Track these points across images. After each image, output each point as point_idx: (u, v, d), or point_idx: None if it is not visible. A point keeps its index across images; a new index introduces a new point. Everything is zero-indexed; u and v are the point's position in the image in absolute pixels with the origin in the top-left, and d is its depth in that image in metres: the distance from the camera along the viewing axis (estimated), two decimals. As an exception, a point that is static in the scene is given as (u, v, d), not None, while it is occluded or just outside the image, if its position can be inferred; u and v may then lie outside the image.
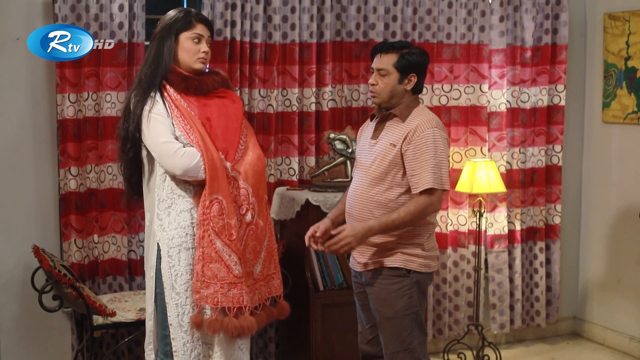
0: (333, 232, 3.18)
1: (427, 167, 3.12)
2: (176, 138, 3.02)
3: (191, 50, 3.08)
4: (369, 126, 3.39)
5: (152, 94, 3.03)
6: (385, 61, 3.21)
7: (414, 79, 3.23)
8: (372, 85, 3.25)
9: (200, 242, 3.01)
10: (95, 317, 3.74)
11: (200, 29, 3.10)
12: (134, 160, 3.14)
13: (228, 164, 3.06)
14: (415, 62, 3.22)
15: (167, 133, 3.01)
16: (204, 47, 3.10)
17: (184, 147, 3.01)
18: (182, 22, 3.08)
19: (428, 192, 3.13)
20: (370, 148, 3.27)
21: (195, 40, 3.09)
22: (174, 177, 3.05)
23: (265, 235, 3.19)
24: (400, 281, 3.21)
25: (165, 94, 3.05)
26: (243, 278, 3.05)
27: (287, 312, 3.29)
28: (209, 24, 3.15)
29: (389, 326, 3.24)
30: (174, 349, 3.06)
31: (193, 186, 3.06)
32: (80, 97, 3.99)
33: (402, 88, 3.23)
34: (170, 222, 3.06)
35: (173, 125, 3.03)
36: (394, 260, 3.21)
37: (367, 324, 3.41)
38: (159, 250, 3.08)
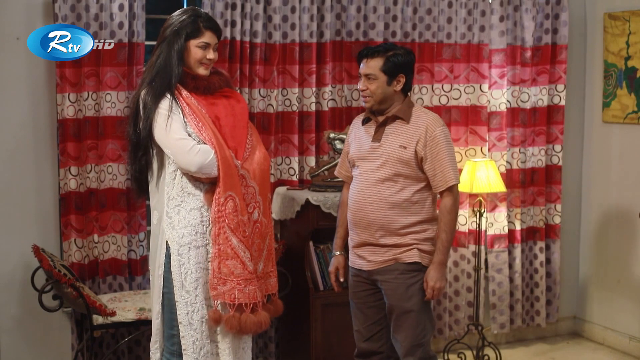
0: (426, 295, 3.30)
1: (446, 165, 3.27)
2: (188, 135, 3.04)
3: (197, 56, 3.10)
4: (361, 129, 3.43)
5: (167, 95, 3.04)
6: (372, 66, 3.28)
7: (403, 80, 3.31)
8: (363, 90, 3.31)
9: (216, 239, 3.03)
10: (95, 316, 3.73)
11: (208, 36, 3.11)
12: (146, 163, 3.15)
13: (238, 163, 3.08)
14: (402, 63, 3.29)
15: (182, 130, 3.03)
16: (210, 54, 3.12)
17: (197, 144, 3.02)
18: (191, 28, 3.08)
19: (449, 189, 3.29)
20: (374, 150, 3.33)
21: (203, 47, 3.10)
22: (184, 175, 3.06)
23: (267, 233, 3.22)
24: (417, 275, 3.31)
25: (177, 92, 3.07)
26: (255, 274, 3.08)
27: (282, 310, 3.32)
28: (217, 30, 3.15)
29: (407, 320, 3.32)
30: (183, 347, 3.07)
31: (203, 184, 3.07)
32: (80, 97, 3.99)
33: (392, 90, 3.31)
34: (180, 221, 3.06)
35: (185, 122, 3.04)
36: (411, 256, 3.30)
37: (365, 322, 3.45)
38: (168, 248, 3.08)
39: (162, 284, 3.11)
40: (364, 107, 4.48)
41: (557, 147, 4.96)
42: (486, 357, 4.61)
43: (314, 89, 4.40)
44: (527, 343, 5.10)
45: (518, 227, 4.90)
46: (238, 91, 4.22)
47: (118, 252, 4.14)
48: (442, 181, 3.27)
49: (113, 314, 3.73)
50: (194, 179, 3.07)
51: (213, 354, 3.13)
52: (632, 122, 4.78)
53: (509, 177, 4.83)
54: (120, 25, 3.99)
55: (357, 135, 3.43)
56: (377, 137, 3.33)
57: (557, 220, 5.03)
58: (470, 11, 4.66)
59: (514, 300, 4.97)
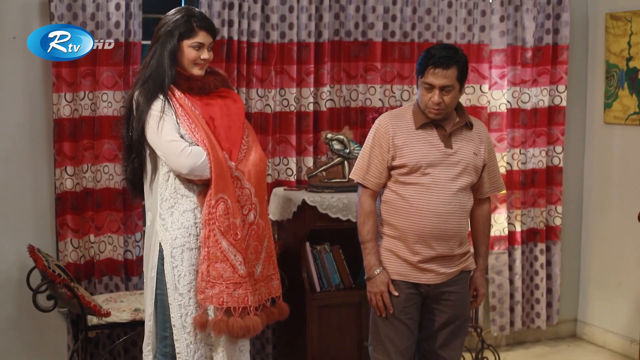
0: (476, 302, 3.38)
1: (498, 171, 3.36)
2: (181, 137, 3.01)
3: (191, 56, 3.08)
4: (414, 133, 3.15)
5: (159, 96, 3.02)
6: (449, 76, 3.04)
7: (465, 83, 3.17)
8: (438, 103, 3.06)
9: (205, 242, 3.00)
10: (89, 317, 3.72)
11: (202, 36, 3.08)
12: (139, 165, 3.14)
13: (232, 164, 3.05)
14: (467, 67, 3.13)
15: (173, 132, 3.00)
16: (204, 54, 3.09)
17: (189, 146, 3.00)
18: (184, 28, 3.05)
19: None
20: (448, 157, 3.12)
21: (196, 48, 3.08)
22: (177, 177, 3.04)
23: (266, 235, 3.19)
24: (468, 281, 3.33)
25: (170, 93, 3.05)
26: (247, 278, 3.04)
27: (287, 313, 3.28)
28: (211, 29, 3.12)
29: (465, 327, 3.31)
30: (177, 351, 3.05)
31: (197, 186, 3.05)
32: (76, 97, 3.98)
33: (459, 96, 3.16)
34: (173, 222, 3.04)
35: (178, 124, 3.02)
36: (473, 263, 3.31)
37: (410, 338, 3.23)
38: (161, 250, 3.06)
39: (154, 285, 3.09)
40: (362, 108, 4.51)
41: (558, 148, 4.93)
42: (485, 360, 4.59)
43: (312, 89, 4.37)
44: (527, 346, 5.07)
45: (518, 228, 4.87)
46: (235, 91, 4.21)
47: (114, 253, 4.13)
48: (496, 185, 3.31)
49: (108, 314, 3.72)
50: (188, 180, 3.04)
51: (207, 357, 3.11)
52: (634, 123, 4.75)
53: (509, 178, 4.81)
54: (117, 24, 3.98)
55: (411, 140, 3.14)
56: (448, 143, 3.13)
57: (558, 221, 5.00)
58: (470, 11, 4.64)
59: (514, 302, 4.94)
